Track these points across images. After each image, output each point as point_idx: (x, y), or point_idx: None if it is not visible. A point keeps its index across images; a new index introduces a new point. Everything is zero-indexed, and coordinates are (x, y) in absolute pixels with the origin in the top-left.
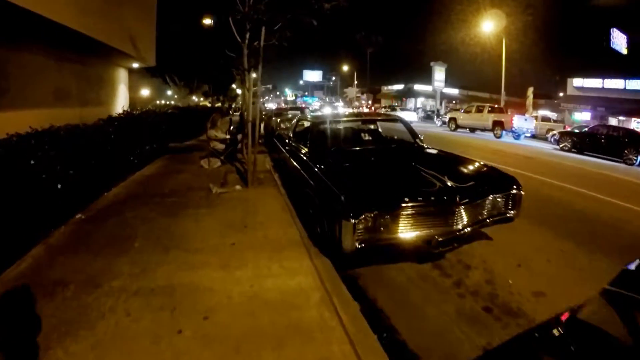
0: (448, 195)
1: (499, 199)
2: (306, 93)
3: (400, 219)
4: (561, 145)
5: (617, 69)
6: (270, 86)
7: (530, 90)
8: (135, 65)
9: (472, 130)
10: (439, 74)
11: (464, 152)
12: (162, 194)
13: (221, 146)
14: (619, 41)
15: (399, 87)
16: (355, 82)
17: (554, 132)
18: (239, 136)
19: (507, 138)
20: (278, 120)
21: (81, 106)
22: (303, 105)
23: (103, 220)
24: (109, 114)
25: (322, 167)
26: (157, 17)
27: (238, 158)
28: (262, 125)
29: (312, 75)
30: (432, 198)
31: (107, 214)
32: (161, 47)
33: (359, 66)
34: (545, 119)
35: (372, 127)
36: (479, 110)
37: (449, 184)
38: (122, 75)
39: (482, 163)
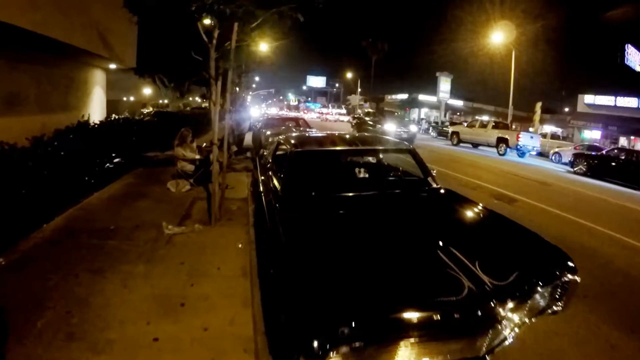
0: (480, 303)
1: (546, 291)
2: (309, 99)
3: (398, 351)
4: (575, 169)
5: (630, 87)
6: (272, 90)
7: (539, 106)
8: (113, 66)
9: (475, 145)
10: (445, 84)
11: (469, 173)
12: (106, 232)
13: (190, 167)
14: (633, 57)
15: (403, 96)
16: (359, 90)
17: (556, 150)
18: (212, 155)
19: (512, 156)
20: (268, 132)
21: (43, 113)
22: (302, 114)
23: (15, 273)
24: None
25: (288, 230)
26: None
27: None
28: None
29: (316, 81)
30: (456, 315)
31: (25, 263)
32: (146, 47)
33: (364, 73)
34: (554, 137)
35: (370, 159)
36: (483, 125)
37: (481, 278)
38: (97, 77)
39: (521, 227)
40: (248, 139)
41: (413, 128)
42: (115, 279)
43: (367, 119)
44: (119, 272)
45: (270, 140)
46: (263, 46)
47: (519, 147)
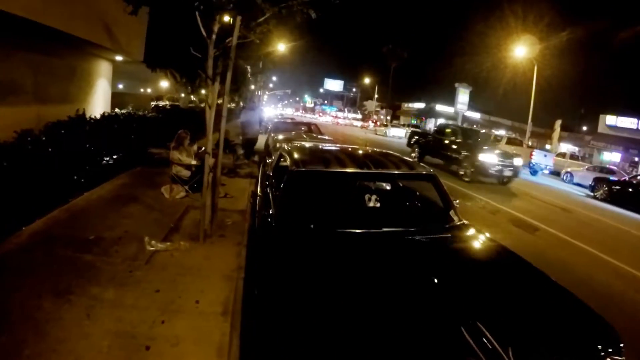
0: None
1: None
2: (325, 102)
3: None
4: (596, 193)
5: None
6: (289, 91)
7: (558, 124)
8: (119, 58)
9: None
10: (463, 96)
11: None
12: (84, 243)
13: (186, 173)
14: None
15: (420, 105)
16: (376, 96)
17: (568, 170)
18: (212, 160)
19: (524, 173)
20: (276, 136)
21: (39, 103)
22: (317, 117)
23: None
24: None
25: (277, 275)
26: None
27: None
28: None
29: (333, 85)
30: None
31: None
32: (156, 40)
33: (381, 80)
34: (573, 157)
35: (385, 185)
36: (497, 140)
37: None
38: (102, 68)
39: (562, 290)
40: (261, 141)
41: (517, 161)
42: (80, 306)
43: (444, 140)
44: (86, 297)
45: (277, 146)
46: (279, 46)
47: (531, 165)
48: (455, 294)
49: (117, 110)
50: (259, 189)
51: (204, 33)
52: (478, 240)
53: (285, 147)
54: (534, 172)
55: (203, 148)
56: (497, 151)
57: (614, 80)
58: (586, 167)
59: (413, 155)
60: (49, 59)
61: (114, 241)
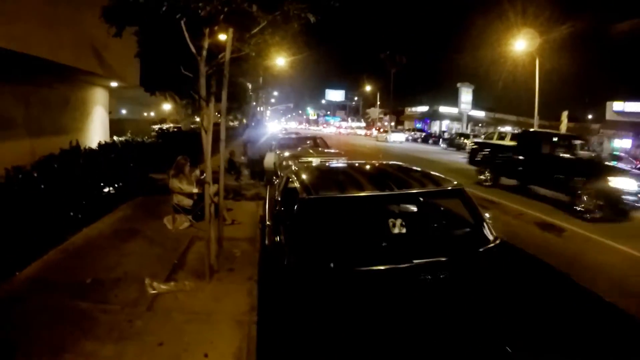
0: None
1: None
2: (328, 112)
3: None
4: None
5: None
6: (291, 105)
7: (565, 115)
8: (114, 84)
9: None
10: (466, 95)
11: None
12: (81, 288)
13: (188, 202)
14: None
15: (424, 108)
16: (378, 103)
17: None
18: (214, 187)
19: None
20: (282, 154)
21: (32, 137)
22: (321, 128)
23: None
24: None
25: (292, 331)
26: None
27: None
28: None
29: (335, 95)
30: None
31: None
32: (149, 62)
33: (383, 86)
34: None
35: (410, 207)
36: (501, 137)
37: None
38: (98, 96)
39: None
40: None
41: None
42: None
43: (537, 156)
44: (80, 355)
45: (284, 164)
46: (278, 59)
47: None
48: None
49: (115, 138)
50: (267, 216)
51: (193, 50)
52: (521, 262)
53: (293, 167)
54: None
55: (204, 175)
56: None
57: (615, 66)
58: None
59: (482, 178)
60: (39, 90)
61: (113, 284)
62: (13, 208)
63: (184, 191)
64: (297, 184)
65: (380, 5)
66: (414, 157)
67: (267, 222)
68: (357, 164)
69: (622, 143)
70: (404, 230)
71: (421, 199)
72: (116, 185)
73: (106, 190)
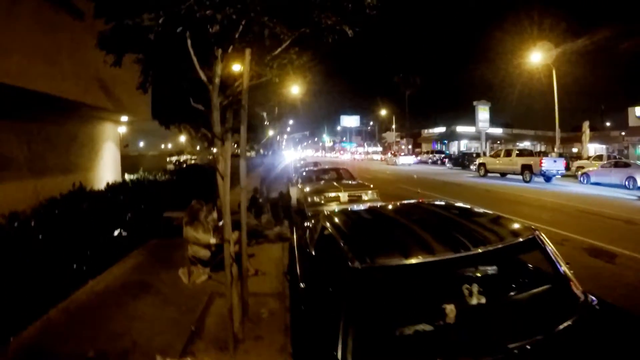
0: None
1: None
2: (344, 138)
3: None
4: None
5: None
6: (307, 132)
7: (586, 125)
8: (124, 118)
9: (503, 174)
10: (483, 113)
11: (530, 215)
12: None
13: (205, 253)
14: None
15: (441, 129)
16: (394, 126)
17: (584, 171)
18: (234, 234)
19: (539, 182)
20: (305, 189)
21: (36, 177)
22: (338, 155)
23: None
24: (84, 182)
25: None
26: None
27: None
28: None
29: (350, 121)
30: None
31: None
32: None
33: (398, 109)
34: (612, 158)
35: (488, 269)
36: (508, 154)
37: None
38: (108, 131)
39: None
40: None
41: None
42: None
43: None
44: None
45: (309, 200)
46: (297, 84)
47: (542, 172)
48: None
49: (126, 176)
50: (297, 270)
51: (202, 77)
52: (620, 324)
53: (326, 212)
54: (548, 179)
55: (222, 221)
56: None
57: (633, 71)
58: (600, 164)
59: None
60: (43, 127)
61: (122, 356)
62: (8, 262)
63: (200, 242)
64: (339, 241)
65: (392, 27)
66: (422, 178)
67: (301, 284)
68: (404, 208)
69: None
70: (483, 300)
71: (504, 257)
72: (126, 229)
73: (117, 233)
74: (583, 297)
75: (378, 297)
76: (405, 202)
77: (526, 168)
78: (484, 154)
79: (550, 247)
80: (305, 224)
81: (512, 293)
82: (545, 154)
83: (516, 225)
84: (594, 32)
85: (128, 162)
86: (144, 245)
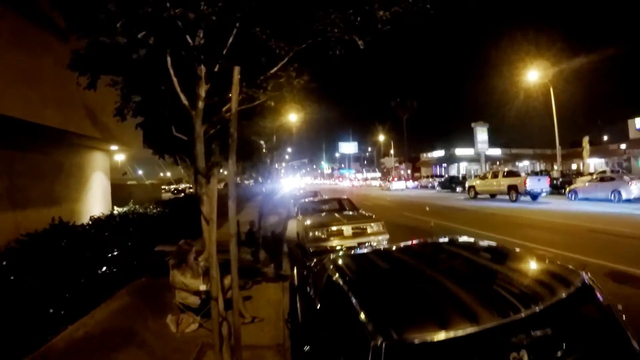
0: None
1: None
2: (342, 165)
3: None
4: None
5: None
6: (305, 160)
7: (586, 141)
8: (114, 147)
9: (493, 195)
10: (482, 134)
11: (535, 238)
12: None
13: (194, 299)
14: None
15: (439, 153)
16: (392, 152)
17: (572, 187)
18: (227, 279)
19: (526, 202)
20: (306, 222)
21: (17, 209)
22: (337, 182)
23: None
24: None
25: None
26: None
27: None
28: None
29: (348, 147)
30: None
31: None
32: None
33: (396, 134)
34: (614, 172)
35: (539, 330)
36: (495, 175)
37: None
38: (96, 161)
39: None
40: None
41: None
42: None
43: None
44: None
45: (310, 235)
46: (297, 110)
47: (527, 191)
48: None
49: (115, 209)
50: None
51: (184, 101)
52: None
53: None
54: (534, 197)
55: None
56: None
57: (627, 85)
58: (587, 180)
59: None
60: (26, 156)
61: None
62: None
63: (189, 288)
64: (353, 301)
65: (389, 50)
66: (411, 202)
67: (305, 348)
68: (424, 251)
69: None
70: None
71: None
72: (112, 268)
73: (103, 270)
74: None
75: None
76: (424, 242)
77: (512, 188)
78: (471, 177)
79: (600, 291)
80: (308, 264)
81: (564, 356)
82: (547, 172)
83: (572, 275)
84: (590, 48)
85: (120, 193)
86: (132, 284)
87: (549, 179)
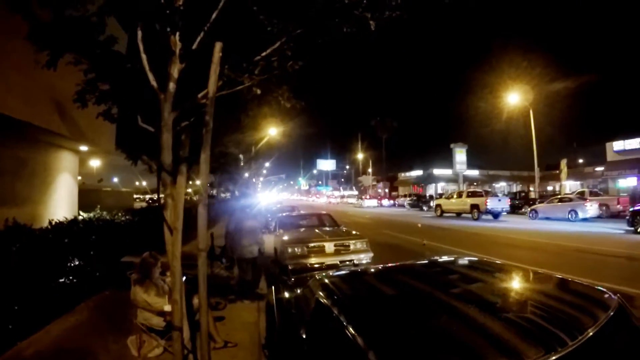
0: None
1: None
2: (320, 182)
3: None
4: (638, 227)
5: None
6: (283, 175)
7: (564, 163)
8: (84, 148)
9: (459, 214)
10: (460, 155)
11: (518, 257)
12: None
13: (159, 321)
14: None
15: (418, 172)
16: (370, 170)
17: (533, 207)
18: (196, 299)
19: (488, 221)
20: (284, 237)
21: None
22: (314, 198)
23: None
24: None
25: None
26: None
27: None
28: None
29: (326, 165)
30: None
31: None
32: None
33: (374, 153)
34: (593, 194)
35: None
36: (459, 195)
37: None
38: (64, 161)
39: None
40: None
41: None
42: None
43: None
44: None
45: (289, 251)
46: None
47: (488, 210)
48: None
49: (81, 214)
50: (279, 345)
51: (152, 82)
52: None
53: (321, 281)
54: (495, 216)
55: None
56: None
57: (600, 109)
58: (546, 201)
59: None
60: None
61: None
62: None
63: (153, 308)
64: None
65: (369, 69)
66: (385, 219)
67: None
68: (429, 272)
69: (627, 182)
70: None
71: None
72: (72, 278)
73: (61, 281)
74: None
75: None
76: (428, 261)
77: (474, 207)
78: (436, 196)
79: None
80: (288, 283)
81: None
82: (526, 194)
83: (594, 291)
84: (567, 72)
85: (88, 198)
86: (92, 299)
87: (508, 200)
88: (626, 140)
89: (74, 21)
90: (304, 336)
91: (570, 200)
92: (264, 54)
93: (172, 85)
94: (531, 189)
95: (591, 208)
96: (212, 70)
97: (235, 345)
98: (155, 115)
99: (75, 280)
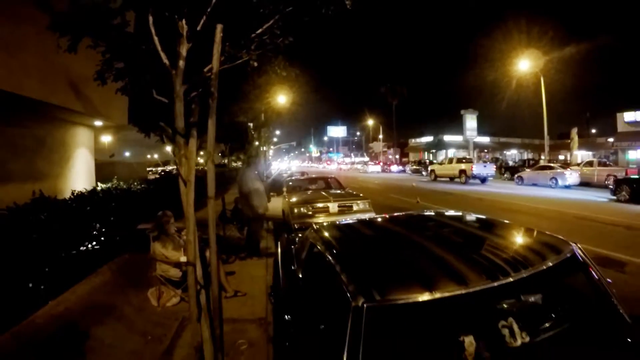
0: None
1: None
2: (331, 149)
3: None
4: (618, 196)
5: None
6: (294, 143)
7: (574, 132)
8: (98, 123)
9: (451, 179)
10: (471, 122)
11: (517, 220)
12: None
13: (176, 272)
14: None
15: (428, 139)
16: (381, 136)
17: (520, 174)
18: (208, 252)
19: (473, 182)
20: (292, 199)
21: None
22: (325, 165)
23: None
24: (54, 190)
25: None
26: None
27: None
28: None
29: (337, 131)
30: None
31: None
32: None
33: (385, 119)
34: (601, 164)
35: (528, 296)
36: (451, 162)
37: None
38: (80, 137)
39: None
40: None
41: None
42: None
43: None
44: None
45: (295, 211)
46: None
47: (474, 175)
48: None
49: (99, 184)
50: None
51: (164, 60)
52: None
53: (316, 227)
54: (482, 181)
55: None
56: None
57: (619, 77)
58: (532, 169)
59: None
60: (6, 130)
61: None
62: None
63: (170, 259)
64: (335, 265)
65: (379, 35)
66: (383, 182)
67: (287, 317)
68: (412, 220)
69: (637, 153)
70: (527, 339)
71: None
72: (95, 243)
73: (85, 246)
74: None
75: (389, 343)
76: (412, 213)
77: (462, 172)
78: (433, 162)
79: (591, 262)
80: (291, 239)
81: (555, 325)
82: (536, 162)
83: (552, 239)
84: (580, 39)
85: (105, 171)
86: (114, 261)
87: (494, 166)
88: (637, 111)
89: (92, 7)
90: (300, 275)
91: (552, 168)
92: (258, 31)
93: (181, 63)
94: (542, 157)
95: (570, 176)
96: (215, 49)
97: (244, 294)
98: (166, 89)
99: (96, 246)
